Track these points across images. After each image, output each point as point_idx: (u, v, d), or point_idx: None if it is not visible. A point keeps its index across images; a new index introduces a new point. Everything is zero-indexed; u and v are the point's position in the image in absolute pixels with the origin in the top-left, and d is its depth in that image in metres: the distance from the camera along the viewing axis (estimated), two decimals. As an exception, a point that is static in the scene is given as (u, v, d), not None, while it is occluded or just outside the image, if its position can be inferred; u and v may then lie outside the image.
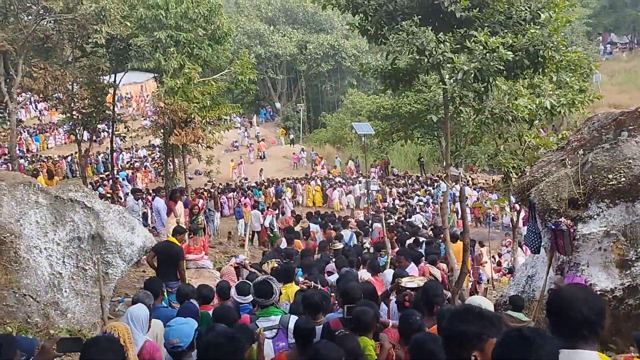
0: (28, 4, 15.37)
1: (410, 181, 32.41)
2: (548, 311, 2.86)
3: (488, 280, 15.79)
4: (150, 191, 23.77)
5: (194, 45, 19.10)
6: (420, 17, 9.01)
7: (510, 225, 16.83)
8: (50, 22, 16.29)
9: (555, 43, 8.72)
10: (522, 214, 16.38)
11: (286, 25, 53.41)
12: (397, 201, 27.78)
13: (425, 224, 21.37)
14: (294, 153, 39.47)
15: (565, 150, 7.40)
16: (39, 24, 15.58)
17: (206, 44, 19.53)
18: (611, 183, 6.11)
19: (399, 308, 5.81)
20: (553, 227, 6.24)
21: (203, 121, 19.19)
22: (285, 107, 51.67)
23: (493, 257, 18.37)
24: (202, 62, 19.63)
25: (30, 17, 15.29)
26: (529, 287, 7.95)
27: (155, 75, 22.41)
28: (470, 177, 30.30)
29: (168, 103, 17.72)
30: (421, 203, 26.57)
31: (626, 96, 39.30)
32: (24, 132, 36.91)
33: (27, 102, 33.83)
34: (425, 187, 30.05)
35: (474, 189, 28.08)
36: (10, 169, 16.97)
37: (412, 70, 10.53)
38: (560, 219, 6.23)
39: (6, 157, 23.06)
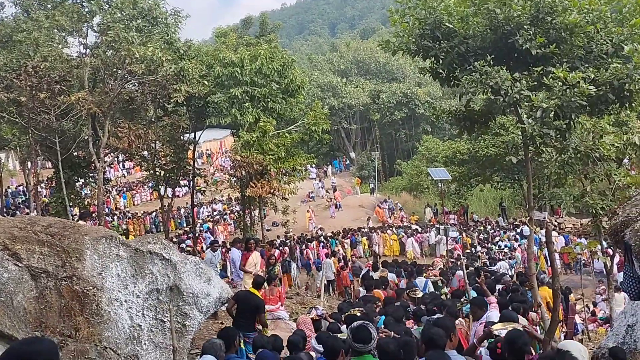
0: (114, 69, 16.38)
1: (490, 227, 31.29)
2: None
3: (583, 332, 14.68)
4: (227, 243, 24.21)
5: (269, 99, 19.65)
6: (493, 56, 8.78)
7: (604, 271, 15.73)
8: (134, 85, 17.28)
9: (642, 75, 8.22)
10: (617, 258, 15.31)
11: (359, 77, 54.29)
12: (478, 248, 26.83)
13: (508, 272, 20.40)
14: (380, 203, 38.83)
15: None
16: (124, 87, 16.54)
17: (280, 97, 20.06)
18: None
19: (491, 355, 5.42)
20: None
21: (278, 173, 19.49)
22: (360, 156, 51.89)
23: (587, 306, 17.14)
24: (277, 115, 20.13)
25: (116, 81, 16.25)
26: (630, 338, 7.23)
27: (233, 131, 23.17)
28: (556, 221, 28.85)
29: (244, 156, 18.16)
30: (506, 249, 25.51)
31: None
32: (113, 190, 38.91)
33: (115, 161, 35.74)
34: (508, 232, 28.90)
35: (561, 234, 26.70)
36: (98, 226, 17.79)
37: (487, 111, 10.22)
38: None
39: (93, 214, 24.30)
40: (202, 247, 24.13)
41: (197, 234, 25.99)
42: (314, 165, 38.19)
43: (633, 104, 8.81)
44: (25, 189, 32.74)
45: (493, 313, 7.76)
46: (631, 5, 8.78)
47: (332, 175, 48.12)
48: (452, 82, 9.91)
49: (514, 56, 9.17)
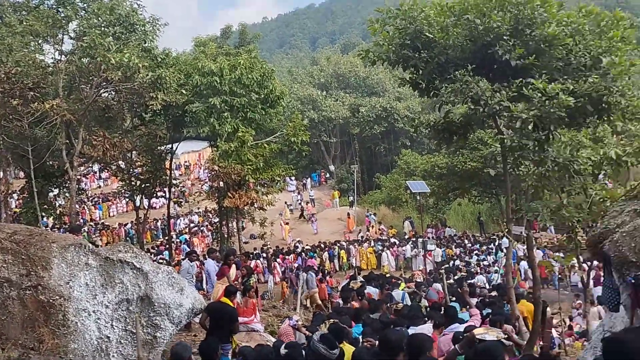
0: (90, 76, 16.09)
1: (467, 241, 31.38)
2: None
3: (559, 346, 14.64)
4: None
5: (248, 109, 19.50)
6: (473, 67, 8.76)
7: (580, 286, 15.77)
8: (110, 93, 17.00)
9: (620, 88, 8.26)
10: (593, 273, 15.37)
11: (338, 90, 54.35)
12: (457, 262, 26.87)
13: (485, 285, 20.41)
14: (367, 216, 38.56)
15: (639, 198, 6.80)
16: (99, 94, 16.25)
17: (259, 107, 19.92)
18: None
19: None
20: (633, 281, 5.62)
21: (256, 183, 19.30)
22: (339, 169, 51.83)
23: (563, 320, 17.14)
24: (256, 125, 19.98)
25: (91, 89, 15.96)
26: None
27: (211, 142, 22.98)
28: (532, 236, 28.96)
29: (222, 166, 17.95)
30: (485, 262, 25.58)
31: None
32: (88, 201, 38.17)
33: (91, 172, 35.11)
34: (486, 246, 28.99)
35: (537, 249, 26.83)
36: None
37: (466, 122, 10.21)
38: (640, 272, 5.61)
39: (65, 226, 23.78)
40: (179, 259, 23.70)
41: (174, 246, 25.56)
42: (293, 178, 37.92)
43: (611, 117, 8.85)
44: (-4, 198, 31.94)
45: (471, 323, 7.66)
46: (609, 19, 8.85)
47: (310, 188, 47.92)
48: (432, 93, 9.88)
49: (494, 67, 9.16)
